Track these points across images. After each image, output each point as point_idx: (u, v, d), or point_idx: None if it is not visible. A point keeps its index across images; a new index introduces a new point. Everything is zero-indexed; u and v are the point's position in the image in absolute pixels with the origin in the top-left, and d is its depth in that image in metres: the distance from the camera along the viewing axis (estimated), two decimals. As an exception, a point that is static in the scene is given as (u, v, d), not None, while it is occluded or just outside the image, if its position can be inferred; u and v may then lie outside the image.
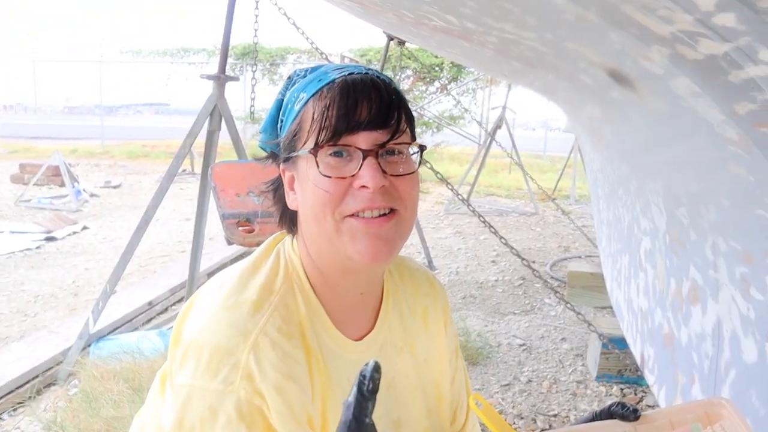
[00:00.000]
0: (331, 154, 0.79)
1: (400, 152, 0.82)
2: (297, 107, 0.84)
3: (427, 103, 14.42)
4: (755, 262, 1.30)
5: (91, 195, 9.34)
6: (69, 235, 6.76)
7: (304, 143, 0.82)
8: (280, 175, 0.91)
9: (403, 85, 14.87)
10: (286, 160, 0.86)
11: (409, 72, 15.02)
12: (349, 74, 0.82)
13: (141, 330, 3.94)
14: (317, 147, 0.79)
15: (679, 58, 1.12)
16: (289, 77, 0.91)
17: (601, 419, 0.84)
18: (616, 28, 1.20)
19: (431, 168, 3.66)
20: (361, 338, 0.93)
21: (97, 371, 3.03)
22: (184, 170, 11.70)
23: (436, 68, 15.13)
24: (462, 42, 2.50)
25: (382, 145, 0.80)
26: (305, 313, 0.86)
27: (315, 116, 0.80)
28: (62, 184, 9.15)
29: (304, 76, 0.87)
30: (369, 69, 0.85)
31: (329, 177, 0.78)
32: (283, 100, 0.88)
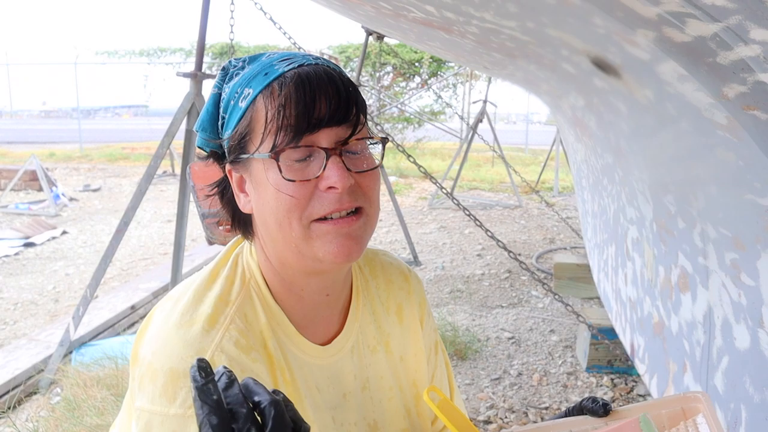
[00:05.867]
0: (292, 157, 0.74)
1: (361, 148, 0.79)
2: (243, 104, 0.77)
3: (407, 98, 14.41)
4: (746, 247, 1.29)
5: (71, 199, 9.19)
6: (48, 240, 6.64)
7: (260, 145, 0.76)
8: (225, 176, 0.85)
9: (384, 81, 14.84)
10: (235, 161, 0.80)
11: (389, 68, 15.01)
12: (299, 66, 0.76)
13: (124, 335, 3.87)
14: (277, 150, 0.73)
15: (665, 42, 1.10)
16: (223, 68, 0.84)
17: (573, 415, 0.83)
18: (601, 12, 1.17)
19: (415, 162, 3.63)
20: (329, 341, 0.89)
21: (80, 378, 2.96)
22: (164, 171, 11.58)
23: (416, 64, 15.14)
24: (442, 33, 2.47)
25: (345, 142, 0.76)
26: (265, 322, 0.83)
27: (269, 115, 0.74)
28: (40, 189, 9.00)
29: (243, 68, 0.81)
30: (317, 58, 0.80)
31: (293, 181, 0.74)
32: (220, 95, 0.82)
